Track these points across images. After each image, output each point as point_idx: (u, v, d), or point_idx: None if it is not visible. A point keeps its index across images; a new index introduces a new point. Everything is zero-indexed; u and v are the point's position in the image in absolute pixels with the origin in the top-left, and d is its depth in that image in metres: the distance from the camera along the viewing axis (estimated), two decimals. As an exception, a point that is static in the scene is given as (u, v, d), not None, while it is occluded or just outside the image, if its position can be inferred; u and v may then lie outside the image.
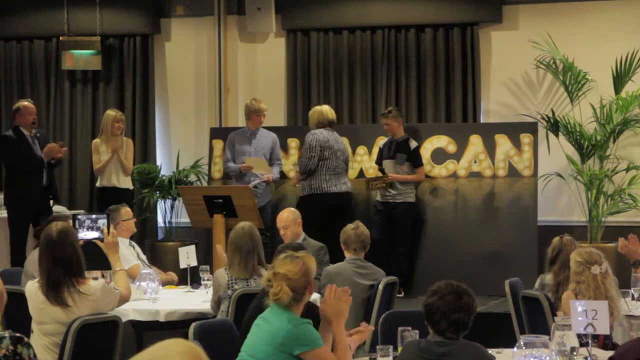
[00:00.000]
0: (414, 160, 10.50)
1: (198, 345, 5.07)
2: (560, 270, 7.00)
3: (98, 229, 6.65)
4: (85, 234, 6.64)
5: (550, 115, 10.82)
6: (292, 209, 8.53)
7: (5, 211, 10.52)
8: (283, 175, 11.16)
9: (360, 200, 10.94)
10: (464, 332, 4.49)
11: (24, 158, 10.12)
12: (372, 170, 10.90)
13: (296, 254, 4.94)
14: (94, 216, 6.82)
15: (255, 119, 10.71)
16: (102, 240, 6.45)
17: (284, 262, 4.86)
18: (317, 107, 10.57)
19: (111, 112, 11.00)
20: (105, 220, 6.69)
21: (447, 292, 4.47)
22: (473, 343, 4.51)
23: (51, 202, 10.34)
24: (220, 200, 9.09)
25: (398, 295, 9.84)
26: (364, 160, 11.12)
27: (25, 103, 10.41)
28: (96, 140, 11.03)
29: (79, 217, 6.79)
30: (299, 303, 4.84)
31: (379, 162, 10.73)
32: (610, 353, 5.27)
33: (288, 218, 8.31)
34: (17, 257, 9.88)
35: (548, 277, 7.11)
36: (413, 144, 10.53)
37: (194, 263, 8.17)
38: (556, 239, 7.18)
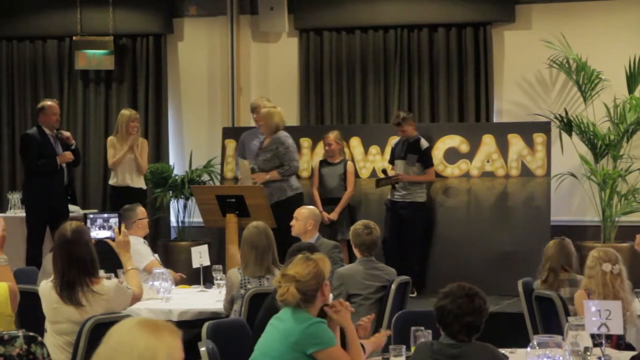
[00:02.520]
0: (425, 160, 10.49)
1: (210, 342, 5.09)
2: (542, 271, 7.03)
3: (110, 228, 6.65)
4: (97, 233, 6.64)
5: (564, 114, 10.80)
6: (313, 207, 8.56)
7: (23, 211, 10.54)
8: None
9: (372, 199, 10.92)
10: (477, 334, 4.48)
11: (44, 158, 10.09)
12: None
13: (311, 256, 4.93)
14: (105, 215, 6.83)
15: (255, 119, 10.76)
16: (113, 239, 6.45)
17: (295, 264, 4.86)
18: (274, 110, 10.27)
19: (126, 112, 11.01)
20: (116, 220, 6.69)
21: (459, 295, 4.46)
22: (485, 344, 4.50)
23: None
24: (233, 200, 9.10)
25: (411, 295, 9.86)
26: (377, 160, 11.11)
27: (50, 102, 10.37)
28: (112, 137, 11.03)
29: (91, 216, 6.79)
30: (312, 304, 4.82)
31: (392, 161, 10.72)
32: (624, 353, 5.27)
33: (302, 213, 8.29)
34: (33, 256, 9.89)
35: (537, 282, 7.13)
36: (424, 144, 10.51)
37: (207, 262, 8.17)
38: (550, 242, 7.20)
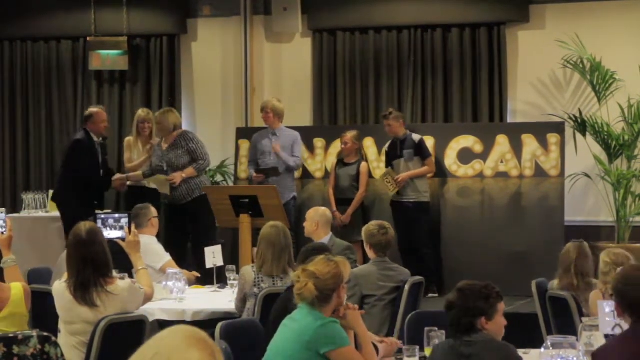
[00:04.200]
0: (421, 152, 10.48)
1: (223, 343, 5.10)
2: (563, 275, 6.98)
3: (121, 228, 6.65)
4: (108, 233, 6.65)
5: (578, 115, 10.77)
6: (324, 208, 8.60)
7: (38, 211, 10.54)
8: (308, 175, 11.17)
9: (386, 199, 10.89)
10: (472, 331, 4.45)
11: (90, 167, 10.06)
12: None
13: (334, 258, 4.97)
14: (116, 215, 6.83)
15: (263, 117, 10.81)
16: (124, 239, 6.46)
17: (317, 262, 4.91)
18: (168, 111, 10.43)
19: (139, 112, 11.02)
20: (127, 220, 6.69)
21: (451, 292, 4.54)
22: (500, 342, 4.50)
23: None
24: (247, 200, 9.11)
25: (434, 295, 9.90)
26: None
27: (97, 109, 10.30)
28: (129, 138, 11.01)
29: (102, 216, 6.80)
30: (327, 304, 4.84)
31: (388, 166, 10.69)
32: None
33: (309, 214, 8.42)
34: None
35: (555, 283, 7.10)
36: (416, 137, 10.51)
37: (220, 263, 8.18)
38: (567, 244, 7.16)
